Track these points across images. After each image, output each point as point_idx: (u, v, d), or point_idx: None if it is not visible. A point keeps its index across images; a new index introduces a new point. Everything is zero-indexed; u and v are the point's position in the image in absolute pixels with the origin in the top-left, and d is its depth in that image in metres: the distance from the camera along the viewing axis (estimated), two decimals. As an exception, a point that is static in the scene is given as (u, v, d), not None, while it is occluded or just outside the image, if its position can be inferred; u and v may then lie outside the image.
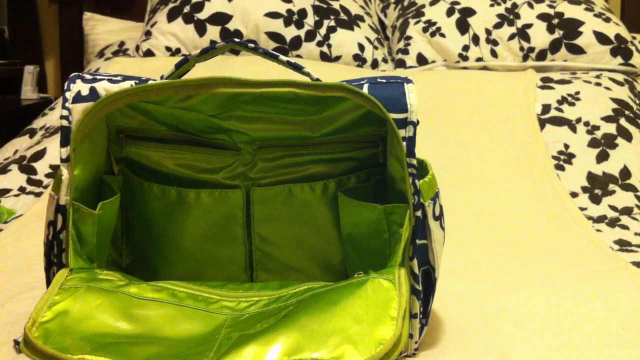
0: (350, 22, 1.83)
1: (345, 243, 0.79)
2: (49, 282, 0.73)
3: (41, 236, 1.11)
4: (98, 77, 0.73)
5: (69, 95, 0.72)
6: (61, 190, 0.70)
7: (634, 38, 1.81)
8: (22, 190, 1.36)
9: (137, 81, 0.73)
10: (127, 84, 0.73)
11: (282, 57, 0.75)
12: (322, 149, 0.80)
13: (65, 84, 0.72)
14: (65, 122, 0.71)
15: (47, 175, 1.40)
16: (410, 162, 0.69)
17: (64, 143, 0.71)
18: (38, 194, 1.34)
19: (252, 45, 0.75)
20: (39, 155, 1.45)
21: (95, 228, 0.71)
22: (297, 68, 0.75)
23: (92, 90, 0.72)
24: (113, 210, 0.75)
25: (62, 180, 0.70)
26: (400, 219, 0.70)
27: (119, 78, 0.74)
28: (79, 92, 0.71)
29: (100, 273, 0.69)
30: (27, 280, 0.93)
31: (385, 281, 0.65)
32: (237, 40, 0.75)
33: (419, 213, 0.69)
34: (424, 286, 0.71)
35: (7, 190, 1.35)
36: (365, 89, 0.71)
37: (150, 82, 0.72)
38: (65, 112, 0.71)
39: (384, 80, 0.72)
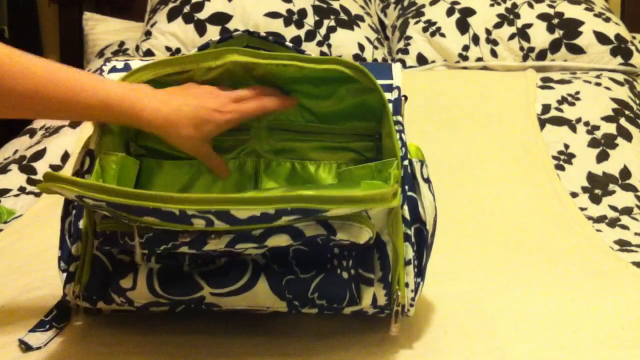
0: (350, 22, 1.83)
1: None
2: (63, 231, 0.76)
3: (41, 236, 1.11)
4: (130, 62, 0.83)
5: (106, 69, 0.80)
6: (92, 137, 0.74)
7: (634, 38, 1.81)
8: (22, 190, 1.36)
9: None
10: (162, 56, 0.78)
11: (287, 43, 0.83)
12: (326, 137, 0.83)
13: (100, 66, 0.81)
14: None
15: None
16: (396, 119, 0.76)
17: None
18: (38, 194, 1.33)
19: (263, 34, 0.82)
20: (39, 155, 1.45)
21: (116, 179, 0.74)
22: (301, 53, 0.80)
23: (126, 65, 0.81)
24: (132, 174, 0.78)
25: (94, 129, 0.75)
26: (390, 166, 0.73)
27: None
28: (114, 66, 0.80)
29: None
30: (27, 280, 0.92)
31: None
32: (251, 30, 0.82)
33: (406, 162, 0.74)
34: (417, 242, 0.74)
35: (7, 190, 1.35)
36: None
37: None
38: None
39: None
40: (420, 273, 0.74)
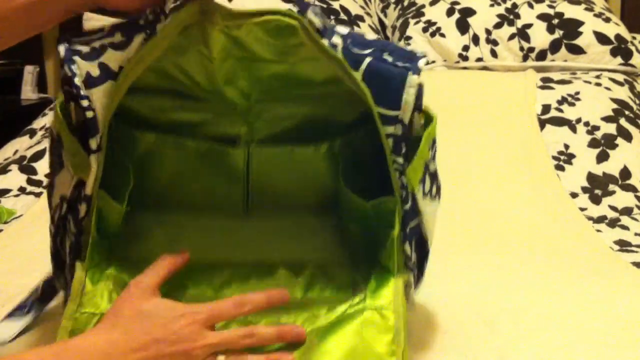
0: (350, 22, 1.83)
1: (345, 216, 0.77)
2: (55, 266, 0.73)
3: (41, 236, 1.11)
4: (96, 45, 0.65)
5: (78, 80, 0.61)
6: (89, 179, 0.63)
7: (634, 38, 1.81)
8: (22, 190, 1.36)
9: (145, 32, 0.67)
10: (138, 39, 0.66)
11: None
12: (321, 102, 0.75)
13: (65, 67, 0.62)
14: (90, 113, 0.61)
15: (47, 176, 1.40)
16: (395, 160, 0.63)
17: (93, 133, 0.62)
18: (38, 194, 1.33)
19: None
20: (39, 155, 1.45)
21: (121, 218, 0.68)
22: (303, 8, 0.66)
23: (102, 67, 0.62)
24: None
25: (91, 172, 0.63)
26: (388, 207, 0.66)
27: (118, 37, 0.67)
28: (88, 73, 0.62)
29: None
30: (27, 280, 0.92)
31: (386, 313, 0.63)
32: None
33: (407, 206, 0.66)
34: (418, 253, 0.71)
35: (7, 191, 1.35)
36: (365, 63, 0.63)
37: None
38: (85, 103, 0.61)
39: (391, 59, 0.64)
40: (421, 273, 0.74)
